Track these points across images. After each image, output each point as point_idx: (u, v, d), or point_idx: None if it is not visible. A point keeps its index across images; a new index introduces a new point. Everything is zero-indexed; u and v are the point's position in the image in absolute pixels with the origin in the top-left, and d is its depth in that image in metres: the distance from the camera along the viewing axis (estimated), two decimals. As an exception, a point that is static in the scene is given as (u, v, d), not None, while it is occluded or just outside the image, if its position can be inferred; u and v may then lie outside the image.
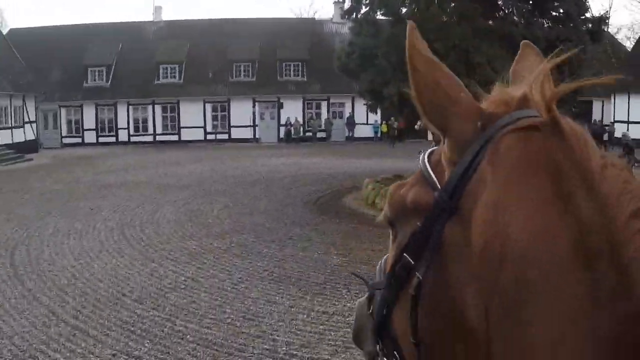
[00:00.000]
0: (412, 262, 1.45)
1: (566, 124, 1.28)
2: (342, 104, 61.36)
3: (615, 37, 74.36)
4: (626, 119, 46.56)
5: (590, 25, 22.38)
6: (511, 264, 1.20)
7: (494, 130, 1.33)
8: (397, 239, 1.59)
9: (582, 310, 1.12)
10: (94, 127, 60.49)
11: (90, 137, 60.14)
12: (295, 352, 9.32)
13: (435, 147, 1.55)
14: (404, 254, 1.49)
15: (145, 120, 61.05)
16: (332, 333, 10.09)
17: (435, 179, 1.46)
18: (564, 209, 1.18)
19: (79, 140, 59.67)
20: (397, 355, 1.56)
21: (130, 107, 60.52)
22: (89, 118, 60.32)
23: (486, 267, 1.25)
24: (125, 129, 60.66)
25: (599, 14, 23.84)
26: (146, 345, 9.59)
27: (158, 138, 60.27)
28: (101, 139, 59.93)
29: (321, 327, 10.44)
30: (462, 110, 1.39)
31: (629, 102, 48.22)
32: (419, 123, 33.33)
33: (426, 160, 1.54)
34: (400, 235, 1.58)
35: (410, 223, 1.50)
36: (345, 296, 11.69)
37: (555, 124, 1.27)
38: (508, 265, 1.20)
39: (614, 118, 49.82)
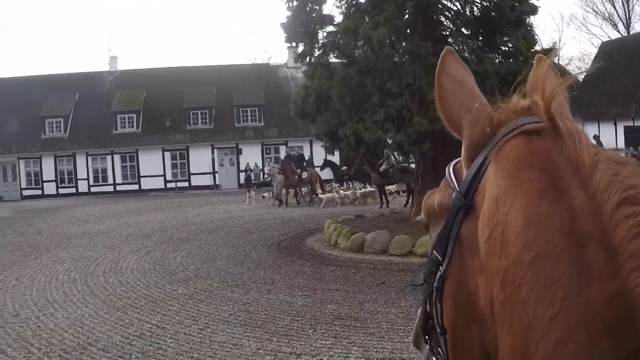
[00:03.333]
0: (439, 258, 1.61)
1: (564, 126, 1.41)
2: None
3: (567, 68, 75.87)
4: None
5: (540, 58, 22.66)
6: (510, 248, 1.32)
7: (501, 135, 1.49)
8: (431, 239, 1.79)
9: (573, 289, 1.21)
10: (54, 179, 60.13)
11: (50, 188, 59.81)
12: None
13: (459, 158, 1.69)
14: (433, 251, 1.67)
15: (104, 171, 60.82)
16: (300, 373, 10.15)
17: (455, 182, 1.64)
18: (556, 198, 1.30)
19: (38, 192, 59.36)
20: (441, 351, 1.69)
21: (89, 157, 60.30)
22: (48, 169, 60.01)
23: (490, 255, 1.39)
24: (85, 179, 60.36)
25: (548, 46, 24.19)
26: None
27: (118, 188, 60.06)
28: (61, 190, 59.63)
29: (289, 367, 10.52)
30: (474, 118, 1.59)
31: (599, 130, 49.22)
32: (384, 166, 33.36)
33: (450, 167, 1.72)
34: (432, 235, 1.78)
35: (438, 224, 1.69)
36: (312, 336, 11.73)
37: (553, 126, 1.42)
38: (507, 250, 1.33)
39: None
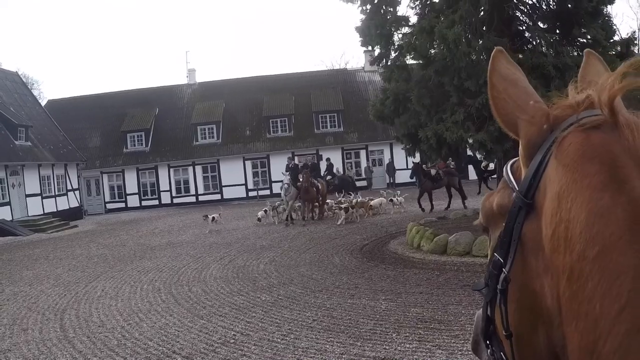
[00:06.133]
0: (501, 260, 1.60)
1: (624, 118, 1.38)
2: (380, 151, 61.42)
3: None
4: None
5: (619, 48, 22.19)
6: (574, 244, 1.30)
7: (559, 131, 1.47)
8: (490, 242, 1.78)
9: None
10: (137, 191, 61.31)
11: (133, 201, 61.07)
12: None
13: (517, 158, 1.69)
14: (495, 254, 1.65)
15: (186, 182, 61.78)
16: (385, 377, 10.03)
17: (514, 181, 1.64)
18: (618, 190, 1.27)
19: (122, 204, 60.66)
20: (504, 356, 1.69)
21: (171, 169, 61.31)
22: (130, 182, 61.33)
23: (555, 253, 1.36)
24: (167, 191, 61.40)
25: (627, 35, 23.71)
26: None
27: (200, 198, 60.91)
28: (144, 202, 60.86)
29: (373, 371, 10.41)
30: (530, 116, 1.58)
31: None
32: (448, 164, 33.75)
33: (508, 167, 1.72)
34: (492, 238, 1.77)
35: (498, 225, 1.68)
36: (396, 340, 11.61)
37: (613, 119, 1.37)
38: (572, 246, 1.30)
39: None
